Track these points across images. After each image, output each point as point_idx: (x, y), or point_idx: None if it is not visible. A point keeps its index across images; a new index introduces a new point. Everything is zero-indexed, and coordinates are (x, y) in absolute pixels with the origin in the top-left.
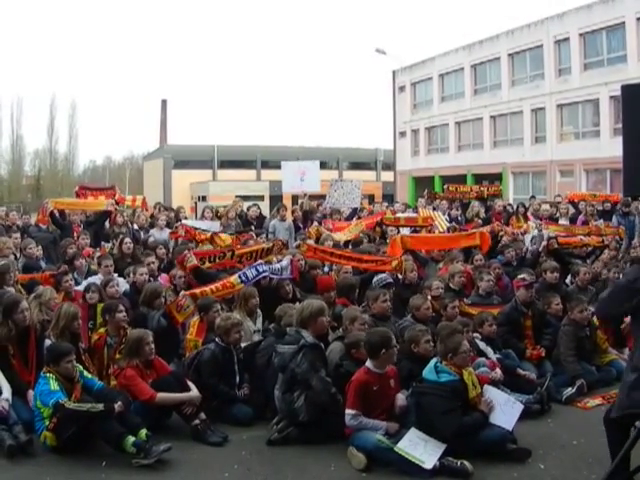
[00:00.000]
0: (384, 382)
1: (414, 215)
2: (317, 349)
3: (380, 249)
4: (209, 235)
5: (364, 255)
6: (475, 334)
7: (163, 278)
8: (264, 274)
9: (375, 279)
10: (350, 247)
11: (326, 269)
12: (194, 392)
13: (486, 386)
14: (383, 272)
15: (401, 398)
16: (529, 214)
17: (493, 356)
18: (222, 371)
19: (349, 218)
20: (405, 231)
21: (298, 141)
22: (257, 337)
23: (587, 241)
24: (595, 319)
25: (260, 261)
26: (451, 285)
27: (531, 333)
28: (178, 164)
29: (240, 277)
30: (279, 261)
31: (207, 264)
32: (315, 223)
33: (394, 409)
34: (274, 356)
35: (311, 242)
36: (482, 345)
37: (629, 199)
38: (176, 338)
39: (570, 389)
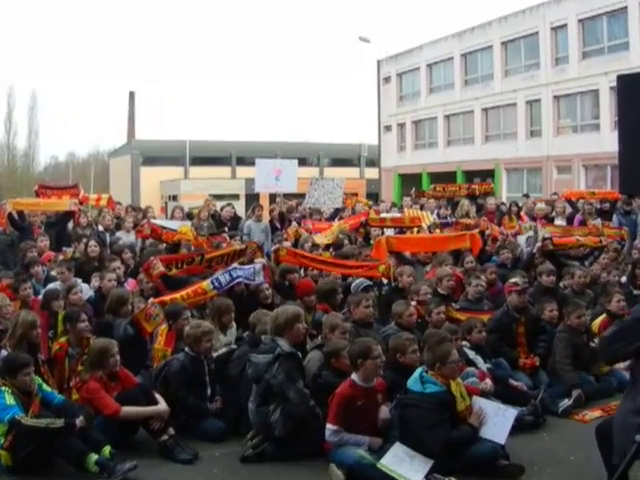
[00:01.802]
0: (370, 397)
1: (400, 215)
2: (294, 358)
3: (362, 252)
4: (175, 235)
5: (348, 261)
6: (463, 342)
7: (130, 284)
8: (238, 280)
9: (353, 283)
10: (331, 250)
11: (315, 271)
12: (162, 406)
13: (475, 397)
14: (371, 278)
15: (385, 411)
16: (523, 213)
17: (483, 366)
18: (192, 383)
19: (330, 219)
20: (389, 232)
21: (276, 136)
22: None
23: (584, 241)
24: (594, 325)
25: (234, 265)
26: (439, 290)
27: (524, 340)
28: (147, 161)
29: (213, 283)
30: (252, 264)
31: (174, 270)
32: (294, 224)
33: (377, 422)
34: (248, 366)
35: (288, 244)
36: (471, 354)
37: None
38: (143, 348)
39: (567, 400)
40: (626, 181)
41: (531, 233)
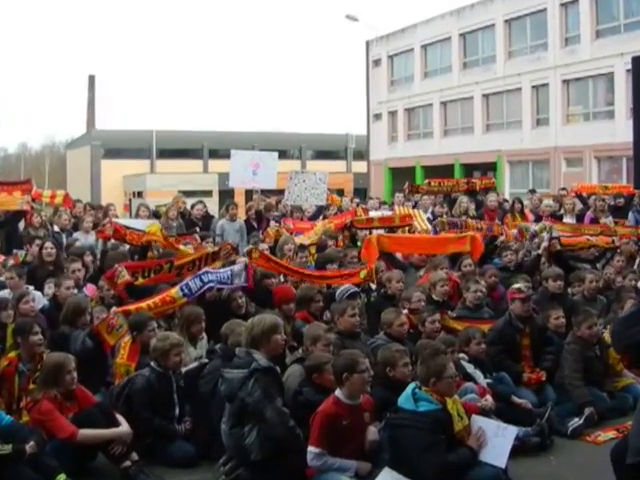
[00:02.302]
0: (357, 416)
1: (389, 214)
2: (271, 374)
3: (348, 254)
4: (142, 235)
5: (326, 271)
6: (461, 354)
7: (89, 290)
8: (210, 285)
9: (339, 290)
10: (313, 252)
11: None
12: (124, 427)
13: (474, 416)
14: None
15: (373, 432)
16: (527, 211)
17: (483, 381)
18: (158, 402)
19: (313, 217)
20: (379, 231)
21: (253, 126)
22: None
23: (595, 242)
24: (606, 336)
25: (205, 269)
26: (434, 296)
27: (529, 353)
28: (109, 153)
29: (182, 289)
30: (230, 266)
31: (141, 280)
32: (273, 223)
33: (364, 445)
34: (220, 383)
35: (265, 247)
36: (470, 368)
37: None
38: (104, 363)
39: (577, 420)
40: None
41: (544, 235)
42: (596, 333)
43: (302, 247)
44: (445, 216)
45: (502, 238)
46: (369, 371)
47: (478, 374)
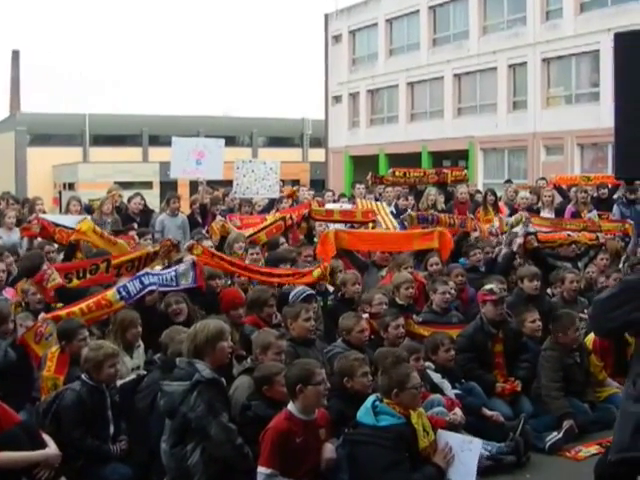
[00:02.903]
0: (311, 432)
1: (351, 207)
2: (216, 386)
3: (303, 252)
4: (71, 233)
5: (276, 268)
6: (427, 363)
7: (9, 293)
8: (151, 287)
9: (292, 292)
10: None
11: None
12: (52, 449)
13: (440, 431)
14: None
15: (329, 449)
16: (501, 204)
17: (451, 392)
18: (90, 419)
19: (264, 212)
20: (339, 226)
21: (199, 110)
22: (134, 376)
23: (577, 238)
24: (588, 340)
25: (146, 270)
26: (397, 299)
27: (502, 361)
28: (36, 139)
29: (119, 292)
30: (174, 265)
31: (75, 281)
32: (219, 218)
33: (320, 464)
34: (159, 397)
35: (209, 244)
36: (437, 377)
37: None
38: (29, 376)
39: (555, 434)
40: (623, 163)
41: (518, 229)
42: (577, 338)
43: (253, 244)
44: (411, 210)
45: (476, 234)
46: (325, 383)
47: (446, 384)
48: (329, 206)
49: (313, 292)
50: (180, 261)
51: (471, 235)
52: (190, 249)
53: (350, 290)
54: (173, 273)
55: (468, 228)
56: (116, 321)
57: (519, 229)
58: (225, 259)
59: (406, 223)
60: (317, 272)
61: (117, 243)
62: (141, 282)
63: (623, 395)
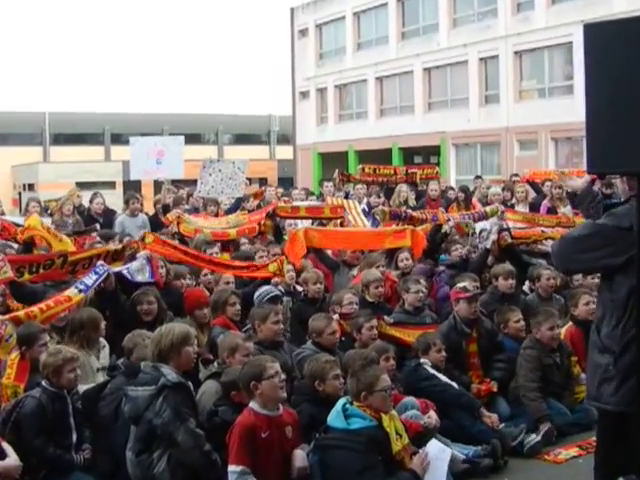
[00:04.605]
0: (276, 428)
1: (319, 204)
2: (183, 391)
3: (270, 251)
4: (23, 231)
5: (230, 260)
6: (423, 359)
7: None
8: (106, 272)
9: (257, 292)
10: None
11: (210, 276)
12: (11, 459)
13: (433, 442)
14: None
15: (300, 457)
16: (474, 199)
17: None
18: (52, 427)
19: (230, 212)
20: (306, 224)
21: (163, 107)
22: (101, 377)
23: (551, 234)
24: (565, 336)
25: (100, 262)
26: (367, 297)
27: (477, 361)
28: None
29: (77, 287)
30: (128, 262)
31: (27, 276)
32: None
33: (291, 471)
34: (124, 403)
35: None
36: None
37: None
38: None
39: (534, 436)
40: (595, 158)
41: (489, 224)
42: (556, 336)
43: (210, 243)
44: (382, 206)
45: (450, 224)
46: (279, 375)
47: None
48: (296, 203)
49: (279, 293)
50: (133, 258)
51: (444, 227)
52: (142, 239)
53: (312, 289)
54: (126, 270)
55: (441, 221)
56: (73, 321)
57: (491, 224)
58: (178, 248)
59: (378, 217)
60: (273, 266)
61: (62, 240)
62: (96, 272)
63: (590, 344)
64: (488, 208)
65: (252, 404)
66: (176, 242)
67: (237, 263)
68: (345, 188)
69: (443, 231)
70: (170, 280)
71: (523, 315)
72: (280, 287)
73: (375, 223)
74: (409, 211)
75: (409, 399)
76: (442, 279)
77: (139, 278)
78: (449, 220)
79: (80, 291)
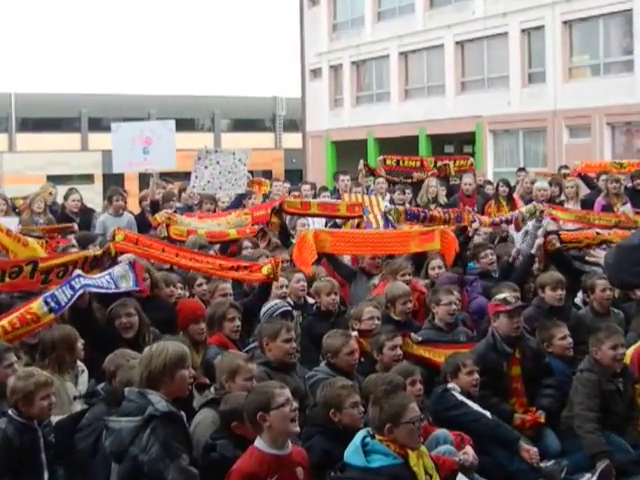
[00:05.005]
0: (287, 470)
1: (334, 201)
2: (174, 422)
3: (276, 254)
4: None
5: (218, 257)
6: (451, 384)
7: None
8: (85, 289)
9: (265, 307)
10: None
11: (205, 286)
12: None
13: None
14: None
15: None
16: (516, 196)
17: None
18: (20, 464)
19: (231, 209)
20: (319, 224)
21: (149, 88)
22: (79, 406)
23: (607, 236)
24: (627, 356)
25: (77, 272)
26: (392, 314)
27: (520, 386)
28: None
29: (47, 302)
30: (108, 268)
31: None
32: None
33: None
34: (105, 436)
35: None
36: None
37: None
38: None
39: (589, 476)
40: None
41: (529, 225)
42: (621, 358)
43: (204, 247)
44: (405, 205)
45: (476, 225)
46: (291, 404)
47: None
48: (306, 199)
49: (290, 308)
50: (114, 262)
51: (469, 229)
52: (113, 237)
53: (325, 301)
54: (108, 277)
55: (465, 221)
56: (45, 341)
57: (531, 226)
58: (154, 245)
59: (391, 218)
60: (267, 268)
61: (28, 245)
62: (71, 287)
63: None
64: (525, 209)
65: (258, 442)
66: (154, 238)
67: (224, 262)
68: (366, 182)
69: (467, 234)
70: (157, 293)
71: (574, 332)
72: (288, 299)
73: (388, 225)
74: (428, 210)
75: (441, 432)
76: (475, 289)
77: (123, 285)
78: (474, 221)
79: (51, 310)
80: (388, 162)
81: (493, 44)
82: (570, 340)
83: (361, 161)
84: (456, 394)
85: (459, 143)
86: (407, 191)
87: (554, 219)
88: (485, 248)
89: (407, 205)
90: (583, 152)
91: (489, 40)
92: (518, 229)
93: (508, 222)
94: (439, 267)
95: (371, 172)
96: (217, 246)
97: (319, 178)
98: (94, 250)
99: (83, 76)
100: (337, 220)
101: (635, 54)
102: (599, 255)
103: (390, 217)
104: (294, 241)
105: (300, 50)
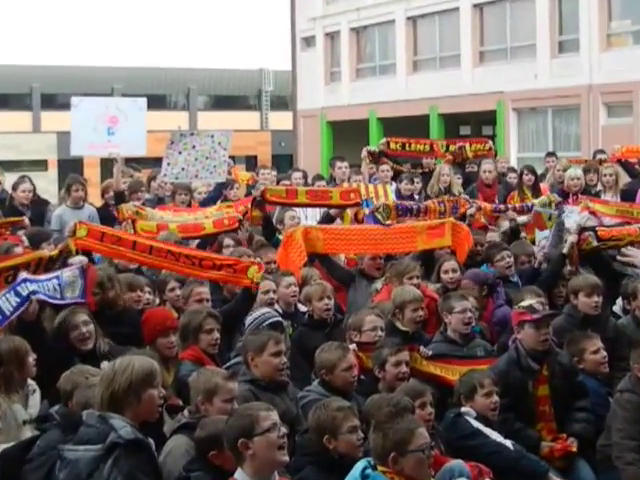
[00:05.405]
0: None
1: (325, 188)
2: (141, 450)
3: (262, 255)
4: None
5: (200, 251)
6: (465, 409)
7: None
8: (32, 296)
9: (251, 317)
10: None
11: (178, 291)
12: None
13: None
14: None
15: None
16: (544, 185)
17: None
18: None
19: (209, 202)
20: (312, 217)
21: (112, 59)
22: (29, 432)
23: None
24: None
25: (24, 275)
26: (399, 324)
27: (549, 409)
28: None
29: None
30: (58, 269)
31: None
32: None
33: None
34: (59, 467)
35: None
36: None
37: None
38: None
39: None
40: None
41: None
42: None
43: (178, 243)
44: (418, 196)
45: (471, 211)
46: (279, 429)
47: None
48: (295, 187)
49: (279, 319)
50: (65, 263)
51: (467, 220)
52: (73, 232)
53: (317, 308)
54: (56, 281)
55: (462, 210)
56: None
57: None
58: (124, 241)
59: (379, 217)
60: (253, 271)
61: None
62: (17, 294)
63: None
64: (537, 201)
65: (239, 474)
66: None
67: (205, 259)
68: (370, 170)
69: (467, 222)
70: (123, 306)
71: (613, 346)
72: (277, 306)
73: (375, 221)
74: (422, 202)
75: (456, 463)
76: (500, 295)
77: (68, 295)
78: (471, 206)
79: None
80: (392, 146)
81: (517, 7)
82: (604, 354)
83: (364, 149)
84: (471, 420)
85: (477, 124)
86: (416, 180)
87: (592, 213)
88: (501, 249)
89: (416, 196)
90: (623, 134)
91: (512, 2)
92: (541, 227)
93: (516, 211)
94: (453, 270)
95: (376, 159)
96: (194, 244)
97: (312, 165)
98: (49, 250)
99: (35, 46)
100: (331, 210)
101: None
102: (635, 255)
103: (379, 215)
104: (281, 237)
105: (290, 16)
